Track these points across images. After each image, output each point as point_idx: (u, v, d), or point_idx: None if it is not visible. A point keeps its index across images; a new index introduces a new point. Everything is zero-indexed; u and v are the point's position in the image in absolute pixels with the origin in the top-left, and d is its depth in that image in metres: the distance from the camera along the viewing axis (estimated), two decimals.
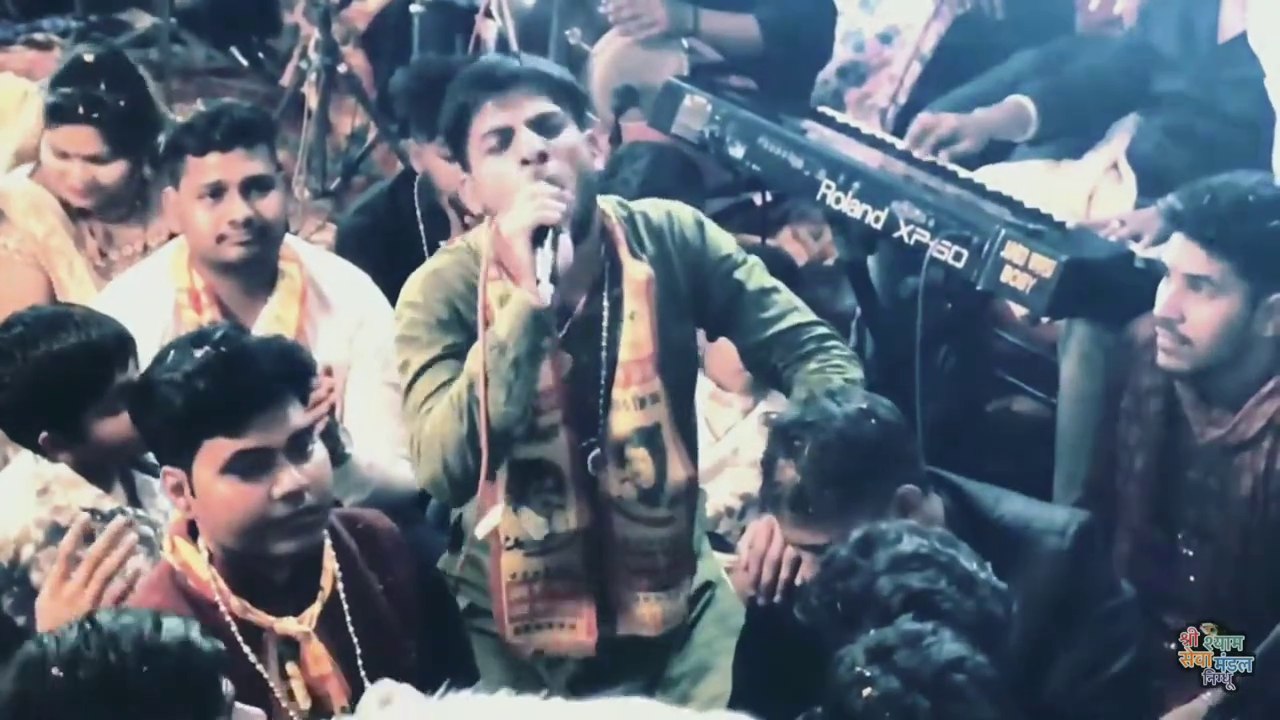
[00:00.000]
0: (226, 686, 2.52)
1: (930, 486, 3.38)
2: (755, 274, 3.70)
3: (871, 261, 4.81)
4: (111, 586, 3.17)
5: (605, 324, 3.56)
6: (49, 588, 3.21)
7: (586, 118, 3.59)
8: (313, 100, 6.42)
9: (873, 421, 3.32)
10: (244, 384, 3.01)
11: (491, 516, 3.51)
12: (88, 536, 3.25)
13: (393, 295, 3.73)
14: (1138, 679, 3.44)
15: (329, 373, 3.75)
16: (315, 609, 3.10)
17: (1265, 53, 4.42)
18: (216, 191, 4.03)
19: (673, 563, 3.66)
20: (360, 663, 3.12)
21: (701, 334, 3.91)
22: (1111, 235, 4.46)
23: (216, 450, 3.02)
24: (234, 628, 3.05)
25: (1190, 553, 3.83)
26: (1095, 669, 3.35)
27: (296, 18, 7.26)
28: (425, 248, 4.73)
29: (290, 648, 3.10)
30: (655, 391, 3.58)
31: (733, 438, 4.64)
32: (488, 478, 3.44)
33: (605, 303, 3.57)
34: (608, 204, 3.63)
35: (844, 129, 4.97)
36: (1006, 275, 4.17)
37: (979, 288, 4.26)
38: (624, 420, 3.56)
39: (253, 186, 4.04)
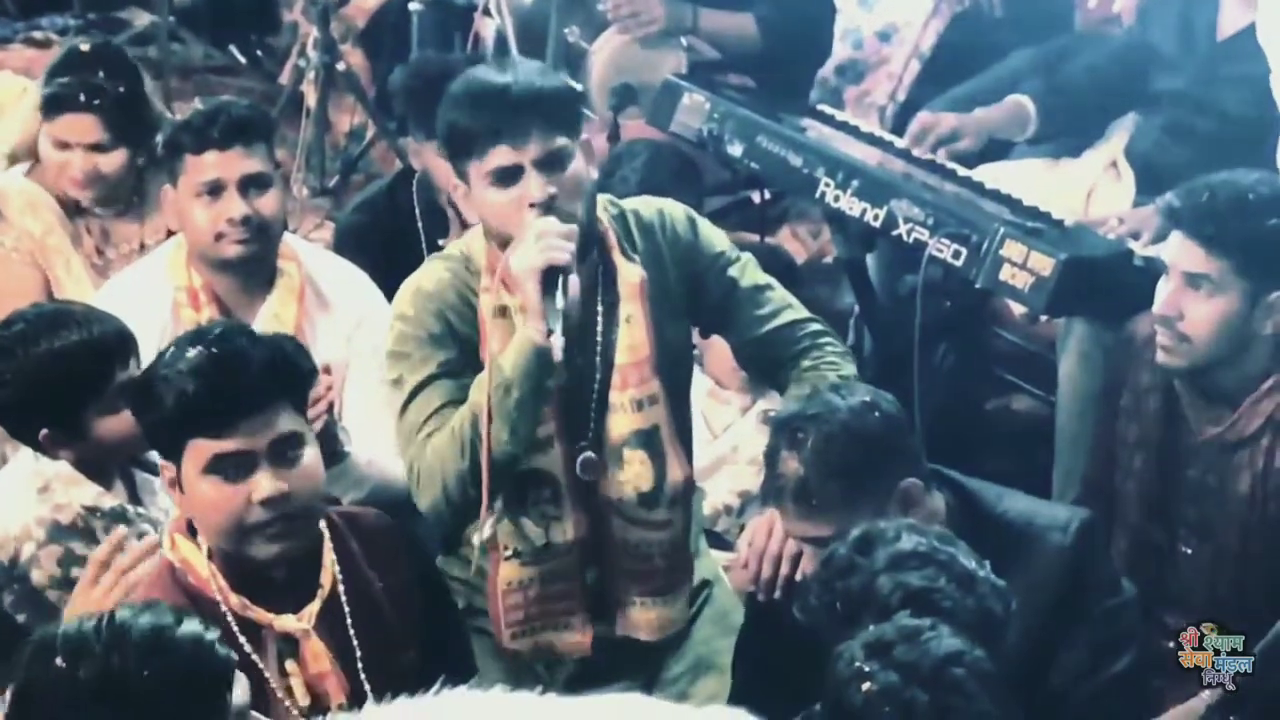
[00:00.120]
0: (238, 697, 2.52)
1: (932, 482, 3.38)
2: (749, 271, 3.69)
3: (870, 259, 4.81)
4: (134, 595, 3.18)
5: (600, 328, 3.56)
6: (78, 590, 3.24)
7: (584, 118, 3.58)
8: (311, 98, 6.41)
9: (876, 414, 3.32)
10: (232, 387, 3.01)
11: (485, 530, 3.52)
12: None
13: (391, 293, 3.72)
14: (1138, 678, 3.44)
15: (327, 371, 3.75)
16: (315, 607, 3.10)
17: (1272, 49, 4.41)
18: (215, 189, 4.02)
19: (670, 566, 3.65)
20: (359, 661, 3.12)
21: (698, 332, 3.90)
22: (1110, 233, 4.46)
23: (200, 450, 3.03)
24: (233, 625, 3.05)
25: (1189, 550, 3.83)
26: (1096, 668, 3.35)
27: (295, 15, 7.26)
28: (424, 246, 4.73)
29: (289, 645, 3.10)
30: (654, 393, 3.57)
31: (731, 435, 4.64)
32: (488, 507, 3.46)
33: (599, 307, 3.56)
34: (599, 204, 3.61)
35: (843, 127, 4.97)
36: (1005, 273, 4.17)
37: (978, 286, 4.26)
38: (622, 423, 3.56)
39: (251, 184, 4.03)
